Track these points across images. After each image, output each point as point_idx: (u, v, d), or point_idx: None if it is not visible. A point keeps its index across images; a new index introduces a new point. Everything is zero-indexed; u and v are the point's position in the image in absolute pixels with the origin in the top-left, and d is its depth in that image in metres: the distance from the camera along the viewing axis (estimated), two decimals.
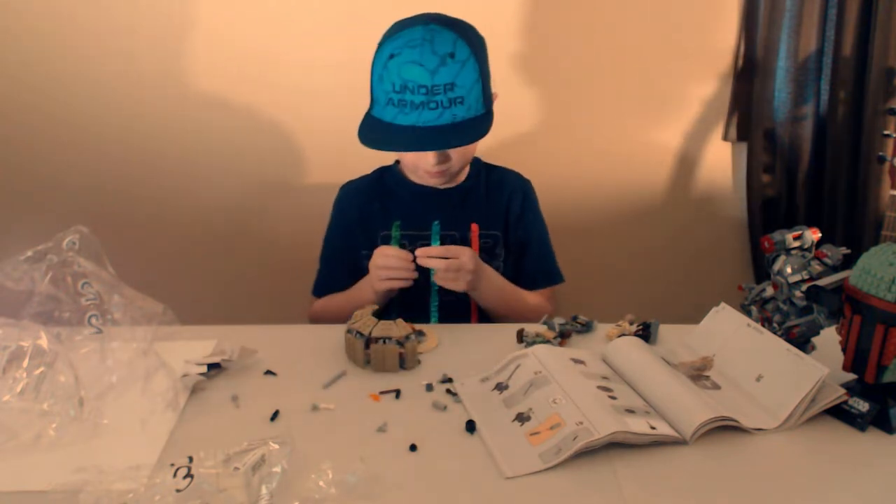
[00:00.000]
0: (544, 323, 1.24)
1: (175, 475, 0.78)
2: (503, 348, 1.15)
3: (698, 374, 1.07)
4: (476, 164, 1.47)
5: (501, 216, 1.45)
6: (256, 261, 1.99)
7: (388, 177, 1.47)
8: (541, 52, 1.84)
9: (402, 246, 1.32)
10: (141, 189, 1.92)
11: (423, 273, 1.27)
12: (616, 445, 0.90)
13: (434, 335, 1.22)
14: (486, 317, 1.40)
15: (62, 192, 1.91)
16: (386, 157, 1.48)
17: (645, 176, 1.97)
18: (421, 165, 1.36)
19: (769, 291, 1.15)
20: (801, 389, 0.96)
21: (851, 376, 1.00)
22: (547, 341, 1.17)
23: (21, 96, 1.84)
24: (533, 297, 1.43)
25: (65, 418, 0.94)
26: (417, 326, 1.20)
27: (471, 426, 0.96)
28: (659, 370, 1.04)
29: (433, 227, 1.30)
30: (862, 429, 0.96)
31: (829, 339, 1.05)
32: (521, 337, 1.20)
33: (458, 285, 1.27)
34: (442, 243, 1.31)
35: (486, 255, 1.40)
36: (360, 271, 1.39)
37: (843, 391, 0.97)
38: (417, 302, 1.33)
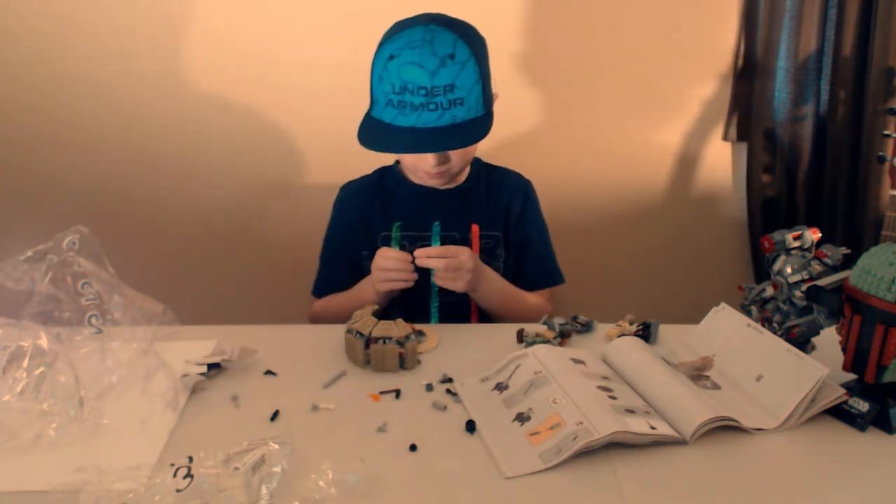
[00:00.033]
0: (544, 323, 1.24)
1: (175, 475, 0.78)
2: (503, 348, 1.15)
3: (698, 374, 1.07)
4: (476, 164, 1.47)
5: (502, 217, 1.44)
6: (256, 261, 1.99)
7: (388, 177, 1.47)
8: (541, 52, 1.84)
9: (402, 247, 1.32)
10: (141, 189, 1.92)
11: (424, 274, 1.27)
12: (616, 445, 0.90)
13: (434, 335, 1.22)
14: (486, 317, 1.40)
15: (62, 192, 1.91)
16: (386, 158, 1.48)
17: (645, 176, 1.97)
18: (421, 167, 1.36)
19: (769, 291, 1.15)
20: (801, 389, 0.96)
21: (851, 376, 1.00)
22: (547, 341, 1.17)
23: (21, 96, 1.84)
24: (533, 298, 1.43)
25: (65, 418, 0.94)
26: (417, 326, 1.20)
27: (471, 426, 0.96)
28: (659, 370, 1.04)
29: (433, 228, 1.30)
30: (862, 429, 0.96)
31: (829, 339, 1.05)
32: (521, 337, 1.20)
33: (457, 285, 1.27)
34: (442, 244, 1.31)
35: (487, 255, 1.40)
36: (360, 271, 1.39)
37: (843, 391, 0.97)
38: (418, 303, 1.33)
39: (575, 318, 1.25)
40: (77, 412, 0.95)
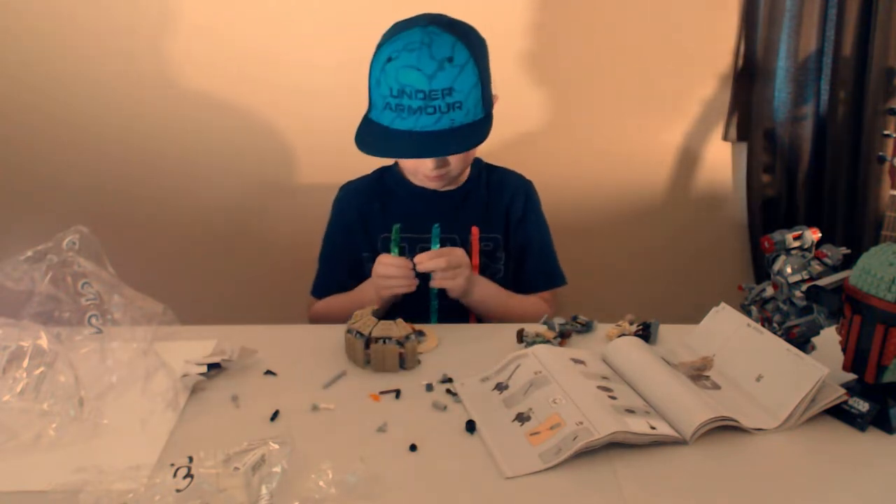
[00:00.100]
0: (544, 323, 1.24)
1: (175, 475, 0.78)
2: (503, 348, 1.15)
3: (698, 374, 1.07)
4: (477, 164, 1.46)
5: (502, 218, 1.44)
6: (256, 261, 1.99)
7: (388, 177, 1.47)
8: (542, 53, 1.84)
9: (401, 249, 1.32)
10: (141, 189, 1.92)
11: (424, 277, 1.27)
12: (616, 445, 0.90)
13: (434, 335, 1.22)
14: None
15: (62, 192, 1.91)
16: (385, 158, 1.48)
17: (645, 176, 1.97)
18: (420, 170, 1.35)
19: (769, 291, 1.15)
20: (801, 389, 0.96)
21: (851, 376, 1.00)
22: (547, 341, 1.17)
23: (21, 96, 1.84)
24: (530, 300, 1.42)
25: (65, 418, 0.94)
26: (417, 326, 1.20)
27: (471, 426, 0.96)
28: (659, 370, 1.04)
29: (433, 230, 1.29)
30: (862, 429, 0.96)
31: (829, 339, 1.05)
32: (521, 337, 1.20)
33: (457, 282, 1.26)
34: (442, 246, 1.30)
35: (487, 258, 1.40)
36: (359, 272, 1.39)
37: (843, 391, 0.97)
38: (417, 304, 1.32)
39: (575, 318, 1.25)
40: (77, 412, 0.95)
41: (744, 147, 1.92)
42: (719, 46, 1.85)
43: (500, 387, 1.05)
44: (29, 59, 1.81)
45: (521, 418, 0.97)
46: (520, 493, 0.84)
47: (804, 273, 1.08)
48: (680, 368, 1.07)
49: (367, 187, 1.47)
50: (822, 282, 1.02)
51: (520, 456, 0.90)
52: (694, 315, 1.19)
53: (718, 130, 1.93)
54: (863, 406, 0.96)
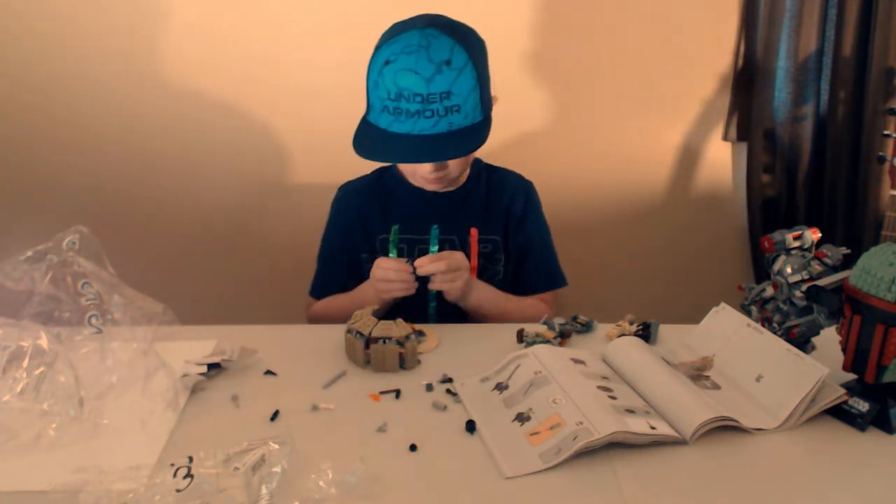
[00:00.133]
0: (544, 323, 1.24)
1: (175, 475, 0.78)
2: (503, 348, 1.15)
3: (698, 374, 1.07)
4: (477, 165, 1.46)
5: (502, 219, 1.43)
6: (256, 261, 1.99)
7: (387, 177, 1.46)
8: (542, 53, 1.84)
9: (400, 250, 1.31)
10: (141, 189, 1.92)
11: (422, 280, 1.27)
12: (616, 445, 0.90)
13: (434, 335, 1.22)
14: None
15: (62, 192, 1.91)
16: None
17: (645, 176, 1.97)
18: (418, 172, 1.35)
19: (769, 291, 1.15)
20: (801, 389, 0.96)
21: (851, 376, 1.00)
22: (547, 341, 1.17)
23: (21, 96, 1.84)
24: (528, 304, 1.41)
25: (65, 418, 0.94)
26: (417, 326, 1.20)
27: (471, 426, 0.96)
28: (659, 370, 1.04)
29: (432, 231, 1.29)
30: (862, 429, 0.96)
31: (829, 339, 1.05)
32: (521, 337, 1.20)
33: (456, 285, 1.26)
34: (440, 248, 1.30)
35: (486, 260, 1.39)
36: (358, 272, 1.38)
37: (843, 391, 0.97)
38: (415, 306, 1.32)
39: (575, 318, 1.25)
40: (77, 412, 0.95)
41: (744, 147, 1.92)
42: (719, 46, 1.85)
43: (500, 387, 1.05)
44: (29, 59, 1.81)
45: (521, 418, 0.97)
46: (520, 493, 0.84)
47: (804, 273, 1.08)
48: (680, 368, 1.07)
49: (367, 188, 1.47)
50: (822, 282, 1.02)
51: (520, 456, 0.90)
52: (694, 315, 1.19)
53: (718, 130, 1.93)
54: (863, 406, 0.96)
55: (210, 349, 1.15)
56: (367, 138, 1.25)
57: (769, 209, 1.91)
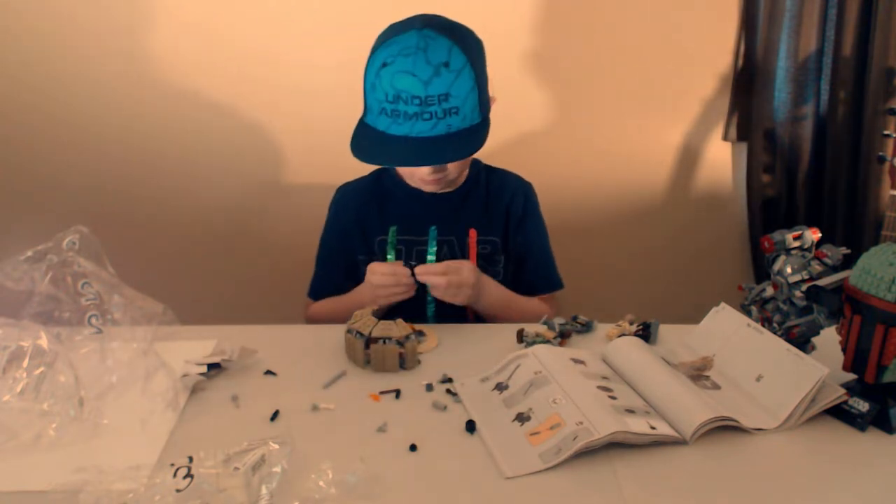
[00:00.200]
0: (544, 323, 1.24)
1: (175, 475, 0.78)
2: (503, 348, 1.15)
3: (698, 374, 1.07)
4: (476, 165, 1.45)
5: (501, 220, 1.43)
6: (256, 261, 1.99)
7: (385, 178, 1.45)
8: (541, 53, 1.84)
9: (398, 251, 1.31)
10: (141, 189, 1.92)
11: (422, 282, 1.25)
12: (616, 445, 0.90)
13: (434, 335, 1.22)
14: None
15: (62, 192, 1.91)
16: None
17: (645, 176, 1.97)
18: (416, 174, 1.34)
19: (769, 291, 1.15)
20: (801, 389, 0.96)
21: (851, 376, 1.00)
22: (547, 341, 1.17)
23: (21, 96, 1.84)
24: (533, 303, 1.41)
25: (65, 418, 0.94)
26: (417, 326, 1.20)
27: (471, 426, 0.96)
28: (659, 370, 1.04)
29: (430, 233, 1.29)
30: (862, 429, 0.96)
31: (829, 339, 1.05)
32: (521, 337, 1.20)
33: (457, 300, 1.25)
34: (439, 249, 1.30)
35: (485, 261, 1.39)
36: (356, 274, 1.38)
37: (843, 391, 0.97)
38: (414, 304, 1.31)
39: (575, 318, 1.25)
40: (77, 412, 0.95)
41: (744, 147, 1.92)
42: (719, 46, 1.85)
43: (500, 387, 1.05)
44: (29, 59, 1.81)
45: (521, 418, 0.97)
46: (520, 493, 0.84)
47: (804, 273, 1.08)
48: (680, 368, 1.07)
49: (365, 189, 1.46)
50: (822, 282, 1.02)
51: (520, 456, 0.90)
52: (694, 315, 1.19)
53: (718, 130, 1.93)
54: (863, 406, 0.96)
55: (210, 349, 1.15)
56: (365, 141, 1.25)
57: (769, 209, 1.91)
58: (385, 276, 1.23)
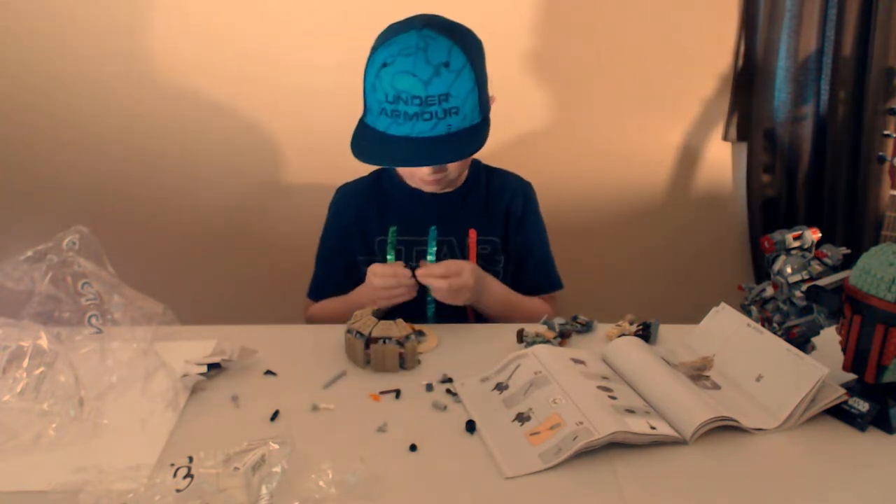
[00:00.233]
0: (544, 323, 1.24)
1: (175, 475, 0.78)
2: (503, 348, 1.15)
3: (698, 374, 1.07)
4: (476, 165, 1.45)
5: (501, 220, 1.43)
6: (256, 261, 1.99)
7: (385, 179, 1.45)
8: (541, 53, 1.84)
9: (398, 252, 1.31)
10: (141, 189, 1.92)
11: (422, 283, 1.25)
12: (616, 445, 0.90)
13: (434, 335, 1.22)
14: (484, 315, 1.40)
15: (62, 192, 1.91)
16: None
17: (645, 176, 1.97)
18: (416, 174, 1.34)
19: (769, 291, 1.15)
20: (801, 389, 0.96)
21: (851, 376, 1.00)
22: (547, 341, 1.17)
23: (21, 96, 1.84)
24: (535, 303, 1.41)
25: (65, 418, 0.94)
26: (417, 326, 1.20)
27: (471, 426, 0.96)
28: (659, 370, 1.04)
29: (430, 233, 1.29)
30: (862, 429, 0.96)
31: (829, 339, 1.05)
32: (521, 337, 1.20)
33: (458, 302, 1.25)
34: (439, 249, 1.30)
35: (485, 261, 1.38)
36: (355, 274, 1.38)
37: (843, 391, 0.97)
38: (414, 303, 1.31)
39: (575, 318, 1.25)
40: (77, 412, 0.95)
41: (744, 147, 1.92)
42: (719, 46, 1.85)
43: (500, 387, 1.05)
44: (29, 59, 1.81)
45: (521, 418, 0.97)
46: (520, 493, 0.84)
47: (804, 273, 1.08)
48: (680, 368, 1.07)
49: (364, 189, 1.46)
50: (822, 282, 1.02)
51: (520, 456, 0.90)
52: (694, 315, 1.19)
53: (718, 130, 1.93)
54: (863, 406, 0.96)
55: (210, 349, 1.15)
56: (365, 141, 1.24)
57: (769, 209, 1.91)
58: (386, 278, 1.23)
